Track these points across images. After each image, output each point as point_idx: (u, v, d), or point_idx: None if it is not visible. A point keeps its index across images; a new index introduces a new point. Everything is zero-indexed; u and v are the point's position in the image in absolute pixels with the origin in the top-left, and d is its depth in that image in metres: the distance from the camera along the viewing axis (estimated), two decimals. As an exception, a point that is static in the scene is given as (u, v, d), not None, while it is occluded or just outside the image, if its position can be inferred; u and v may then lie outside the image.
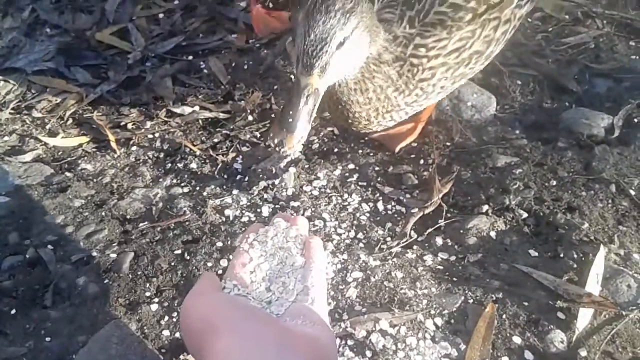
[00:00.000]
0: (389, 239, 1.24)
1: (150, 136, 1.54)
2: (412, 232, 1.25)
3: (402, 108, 1.18)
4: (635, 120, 1.51)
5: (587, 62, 1.74)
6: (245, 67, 1.76)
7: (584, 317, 1.05)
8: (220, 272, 1.16)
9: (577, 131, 1.47)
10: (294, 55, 1.01)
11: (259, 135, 1.53)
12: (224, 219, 1.29)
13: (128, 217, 1.31)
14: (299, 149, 0.97)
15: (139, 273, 1.18)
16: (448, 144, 1.46)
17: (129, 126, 1.57)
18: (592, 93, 1.64)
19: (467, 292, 1.12)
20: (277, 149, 0.95)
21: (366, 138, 1.50)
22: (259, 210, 1.30)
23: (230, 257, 1.16)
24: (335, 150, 1.48)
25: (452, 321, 1.08)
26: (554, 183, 1.32)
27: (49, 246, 1.23)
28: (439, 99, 1.30)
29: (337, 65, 1.01)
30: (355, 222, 1.28)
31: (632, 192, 1.29)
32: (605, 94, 1.63)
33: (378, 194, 1.34)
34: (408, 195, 1.34)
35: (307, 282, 0.78)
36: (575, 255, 1.16)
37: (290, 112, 0.98)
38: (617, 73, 1.69)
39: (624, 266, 1.14)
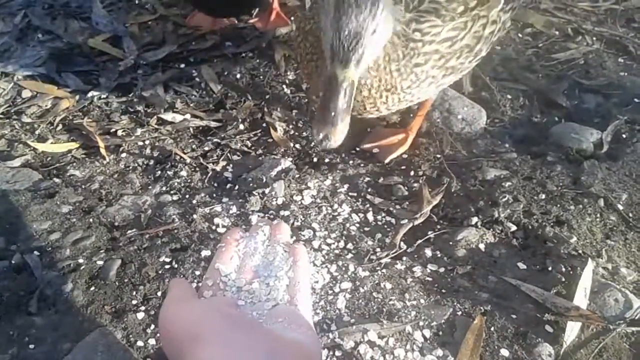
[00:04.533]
0: (378, 249, 1.23)
1: (141, 143, 1.53)
2: (402, 243, 1.25)
3: (398, 91, 1.18)
4: (624, 135, 1.53)
5: (576, 78, 1.76)
6: (238, 75, 1.76)
7: (572, 331, 1.05)
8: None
9: (566, 145, 1.48)
10: (326, 49, 1.02)
11: (249, 144, 1.53)
12: (213, 227, 1.28)
13: (116, 224, 1.30)
14: (341, 140, 0.99)
15: (125, 281, 1.16)
16: (438, 156, 1.47)
17: (119, 133, 1.56)
18: (581, 108, 1.65)
19: (455, 304, 1.12)
20: (323, 143, 0.98)
21: (357, 149, 1.50)
22: (248, 219, 1.30)
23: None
24: (327, 160, 1.48)
25: (441, 333, 1.07)
26: (543, 197, 1.32)
27: (35, 252, 1.21)
28: (429, 94, 1.30)
29: (371, 54, 1.03)
30: (344, 232, 1.27)
31: (620, 207, 1.30)
32: (594, 110, 1.65)
33: (368, 205, 1.34)
34: (398, 207, 1.34)
35: (293, 284, 0.78)
36: (564, 269, 1.17)
37: (331, 106, 0.99)
38: (606, 89, 1.72)
39: (612, 280, 1.15)
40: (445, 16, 1.15)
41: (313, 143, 1.41)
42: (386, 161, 1.46)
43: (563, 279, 1.15)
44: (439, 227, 1.29)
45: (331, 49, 0.99)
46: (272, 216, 1.31)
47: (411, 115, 1.57)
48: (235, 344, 0.62)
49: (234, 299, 0.74)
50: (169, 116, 1.60)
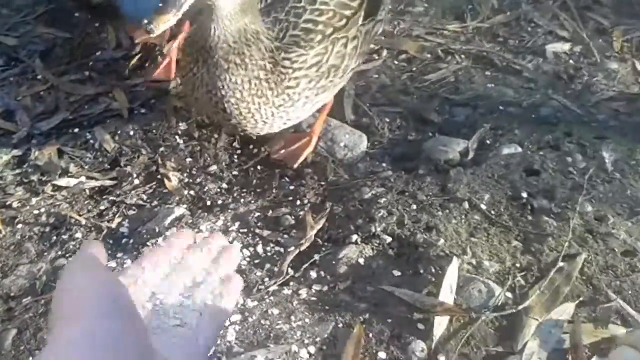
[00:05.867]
0: (267, 279, 1.31)
1: (36, 212, 1.56)
2: (289, 269, 1.33)
3: (270, 105, 1.28)
4: (488, 141, 1.68)
5: (447, 95, 1.92)
6: (131, 132, 1.82)
7: (440, 325, 1.15)
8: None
9: (436, 158, 1.61)
10: None
11: (145, 197, 1.59)
12: (108, 282, 1.32)
13: (12, 294, 1.32)
14: (161, 30, 1.05)
15: (21, 348, 1.19)
16: (322, 183, 1.57)
17: (14, 205, 1.59)
18: (451, 122, 1.80)
19: (337, 317, 1.20)
20: (144, 26, 1.03)
21: (254, 182, 1.59)
22: (143, 269, 1.35)
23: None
24: (219, 202, 1.55)
25: (324, 347, 1.15)
26: (414, 207, 1.44)
27: None
28: (307, 113, 1.42)
29: None
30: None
31: (483, 207, 1.43)
32: (462, 122, 1.80)
33: (257, 238, 1.42)
34: (285, 236, 1.42)
35: (207, 315, 0.71)
36: (433, 270, 1.28)
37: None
38: (473, 101, 1.88)
39: (476, 274, 1.26)
40: (305, 46, 1.29)
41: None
42: (295, 166, 1.56)
43: (433, 279, 1.25)
44: (323, 249, 1.38)
45: None
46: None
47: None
48: (105, 335, 0.53)
49: (142, 300, 0.69)
50: (63, 181, 1.64)
